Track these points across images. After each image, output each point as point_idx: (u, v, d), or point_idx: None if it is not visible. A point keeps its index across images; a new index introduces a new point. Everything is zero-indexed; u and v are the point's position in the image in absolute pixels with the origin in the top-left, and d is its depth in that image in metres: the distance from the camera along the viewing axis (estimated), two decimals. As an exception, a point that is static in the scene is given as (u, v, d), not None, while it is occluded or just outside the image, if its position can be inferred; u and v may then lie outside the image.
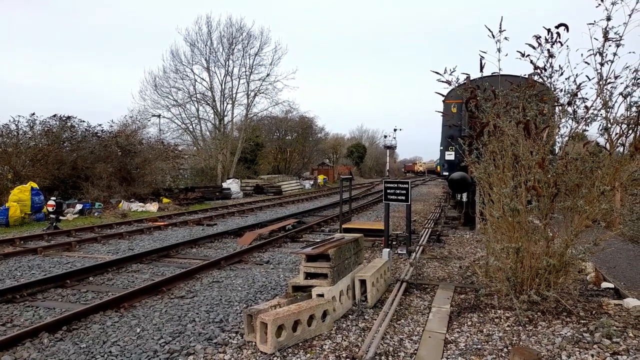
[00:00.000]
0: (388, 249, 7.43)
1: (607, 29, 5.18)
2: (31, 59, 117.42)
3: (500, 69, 5.87)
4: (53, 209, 12.26)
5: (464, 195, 12.68)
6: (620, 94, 5.39)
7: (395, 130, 70.00)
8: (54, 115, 19.76)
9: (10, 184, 15.97)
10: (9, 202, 13.61)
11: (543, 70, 5.81)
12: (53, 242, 10.27)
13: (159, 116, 32.61)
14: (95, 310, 5.39)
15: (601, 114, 5.51)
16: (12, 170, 16.94)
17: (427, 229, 11.88)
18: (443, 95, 9.57)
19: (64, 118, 20.03)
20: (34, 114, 18.82)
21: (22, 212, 13.75)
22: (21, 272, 7.60)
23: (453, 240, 10.79)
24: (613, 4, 5.07)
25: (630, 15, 5.03)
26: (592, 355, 4.10)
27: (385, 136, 71.00)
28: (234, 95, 33.25)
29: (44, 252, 9.26)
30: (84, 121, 20.87)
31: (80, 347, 4.43)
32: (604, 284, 6.38)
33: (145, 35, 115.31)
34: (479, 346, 4.37)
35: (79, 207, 16.12)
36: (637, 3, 4.97)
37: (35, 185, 14.68)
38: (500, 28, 5.75)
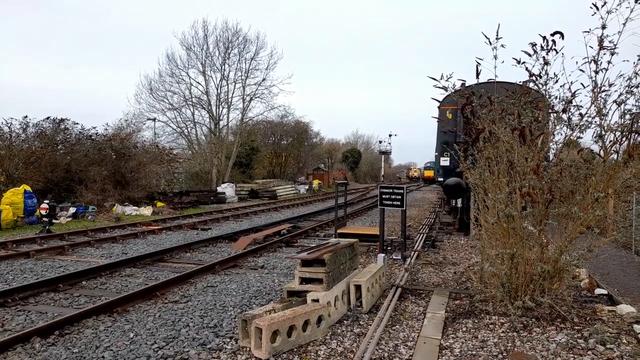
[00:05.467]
0: (383, 254, 7.44)
1: (602, 37, 5.24)
2: (29, 60, 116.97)
3: (496, 76, 5.92)
4: (46, 212, 12.15)
5: (459, 201, 12.71)
6: (615, 101, 5.45)
7: (390, 135, 70.13)
8: (47, 118, 19.65)
9: (2, 186, 15.82)
10: (1, 205, 13.50)
11: (538, 78, 5.86)
12: (46, 246, 10.18)
13: (154, 120, 32.50)
14: (88, 314, 5.33)
15: (595, 122, 5.56)
16: (5, 173, 16.80)
17: (421, 235, 11.90)
18: (439, 101, 9.60)
19: (57, 120, 19.92)
20: (26, 116, 18.74)
21: (15, 215, 13.64)
22: (13, 276, 7.52)
23: (448, 245, 10.81)
24: (608, 12, 5.13)
25: (624, 24, 5.09)
26: (587, 362, 4.11)
27: (380, 141, 71.09)
28: (229, 100, 33.25)
29: (37, 255, 9.18)
30: (77, 124, 20.77)
31: (72, 352, 4.38)
32: (598, 290, 6.41)
33: (142, 37, 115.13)
34: (474, 352, 4.37)
35: (72, 210, 16.01)
36: (631, 12, 5.03)
37: (28, 188, 14.57)
38: (497, 35, 5.80)
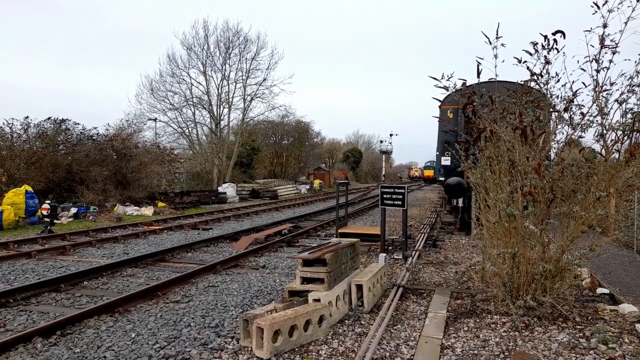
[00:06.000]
0: (384, 254, 7.43)
1: (604, 36, 5.23)
2: (29, 60, 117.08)
3: (497, 75, 5.91)
4: (47, 212, 12.16)
5: (460, 201, 12.71)
6: (616, 100, 5.44)
7: (391, 135, 70.10)
8: (49, 118, 19.66)
9: (4, 187, 15.84)
10: (3, 206, 13.51)
11: (539, 77, 5.85)
12: (47, 246, 10.19)
13: (155, 120, 32.54)
14: (89, 314, 5.34)
15: (597, 121, 5.55)
16: (6, 173, 16.82)
17: (423, 234, 11.89)
18: (440, 101, 9.61)
19: (58, 121, 19.93)
20: (27, 117, 18.76)
21: (17, 215, 13.65)
22: (15, 276, 7.53)
23: (449, 245, 10.80)
24: (609, 11, 5.12)
25: (626, 23, 5.08)
26: (589, 361, 4.10)
27: (381, 141, 71.05)
28: (230, 100, 33.25)
29: (38, 255, 9.19)
30: (78, 124, 20.77)
31: (74, 352, 4.39)
32: (600, 290, 6.40)
33: (142, 38, 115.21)
34: (476, 352, 4.37)
35: (73, 210, 16.02)
36: (632, 11, 5.02)
37: (29, 189, 14.57)
38: (497, 34, 5.79)
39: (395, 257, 9.01)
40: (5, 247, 10.03)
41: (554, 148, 6.05)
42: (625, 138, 5.42)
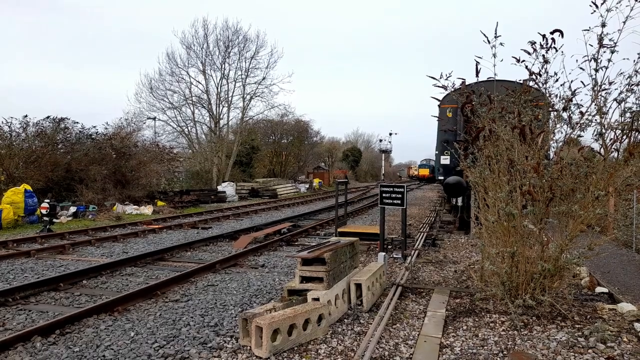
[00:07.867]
0: (383, 253, 7.44)
1: (602, 36, 5.23)
2: (27, 61, 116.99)
3: (495, 74, 5.91)
4: (46, 211, 12.15)
5: (459, 200, 12.71)
6: (615, 99, 5.45)
7: (390, 134, 70.26)
8: (48, 117, 19.63)
9: (3, 186, 15.82)
10: (2, 205, 13.49)
11: (538, 76, 5.85)
12: (46, 245, 10.18)
13: (154, 119, 32.46)
14: (88, 313, 5.34)
15: (596, 120, 5.56)
16: (5, 172, 16.80)
17: (422, 233, 11.89)
18: (439, 100, 9.62)
19: (57, 120, 19.91)
20: (26, 115, 18.72)
21: (15, 214, 13.64)
22: (14, 275, 7.53)
23: (448, 244, 10.80)
24: (608, 10, 5.12)
25: (624, 23, 5.08)
26: (587, 360, 4.11)
27: (381, 140, 71.25)
28: (229, 98, 33.20)
29: (37, 254, 9.18)
30: (77, 123, 20.75)
31: (73, 351, 4.39)
32: (598, 289, 6.41)
33: (142, 36, 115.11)
34: (475, 350, 4.38)
35: (72, 209, 16.01)
36: (631, 10, 5.02)
37: (28, 188, 14.56)
38: (495, 34, 5.79)
39: (395, 256, 9.02)
40: (4, 246, 10.03)
41: (553, 147, 6.06)
42: (624, 137, 5.43)
